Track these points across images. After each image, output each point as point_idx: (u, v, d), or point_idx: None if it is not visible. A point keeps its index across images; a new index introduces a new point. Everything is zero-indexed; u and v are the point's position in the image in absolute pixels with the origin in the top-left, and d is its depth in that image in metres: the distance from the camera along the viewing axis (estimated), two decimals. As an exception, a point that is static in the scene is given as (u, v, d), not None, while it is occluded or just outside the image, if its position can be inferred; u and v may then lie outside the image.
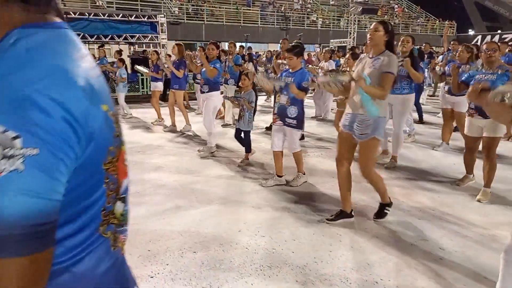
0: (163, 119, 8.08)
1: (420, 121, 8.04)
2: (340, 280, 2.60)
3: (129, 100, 9.55)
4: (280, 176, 4.46)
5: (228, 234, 3.25)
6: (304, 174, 4.50)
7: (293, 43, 4.44)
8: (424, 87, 9.22)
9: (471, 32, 36.90)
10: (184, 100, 10.79)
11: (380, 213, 3.50)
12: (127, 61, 13.10)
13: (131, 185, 3.38)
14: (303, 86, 4.11)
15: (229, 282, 2.58)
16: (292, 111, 4.18)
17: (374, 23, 3.31)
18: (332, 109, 8.44)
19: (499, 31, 28.37)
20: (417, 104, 8.13)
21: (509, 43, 11.67)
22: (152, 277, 2.64)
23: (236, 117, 5.52)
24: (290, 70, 4.26)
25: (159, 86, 8.17)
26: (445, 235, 3.25)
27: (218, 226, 3.40)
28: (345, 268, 2.75)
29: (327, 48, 8.46)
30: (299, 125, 4.26)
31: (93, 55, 12.59)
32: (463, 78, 4.09)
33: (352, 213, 3.51)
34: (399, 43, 5.13)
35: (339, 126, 3.52)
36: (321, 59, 9.69)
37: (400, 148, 5.27)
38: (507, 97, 1.68)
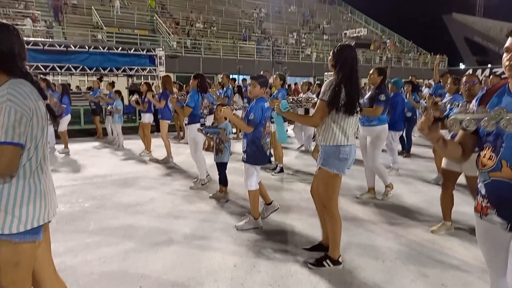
0: (150, 151, 8.06)
1: (407, 153, 8.05)
2: (339, 319, 2.49)
3: (126, 130, 9.55)
4: (256, 218, 4.07)
5: (222, 269, 3.14)
6: (257, 219, 4.03)
7: (261, 74, 4.42)
8: (417, 119, 9.20)
9: (462, 66, 37.89)
10: (181, 131, 10.88)
11: (319, 261, 3.17)
12: (125, 93, 13.23)
13: (124, 217, 3.24)
14: (249, 118, 3.87)
15: (223, 320, 2.46)
16: (244, 144, 3.97)
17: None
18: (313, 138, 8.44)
19: (489, 65, 29.14)
20: (408, 136, 8.16)
21: (502, 76, 11.94)
22: (143, 315, 2.52)
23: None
24: (251, 98, 4.16)
25: (147, 118, 8.16)
26: (446, 270, 3.17)
27: (212, 260, 3.30)
28: (344, 306, 2.64)
29: (304, 81, 8.56)
30: (250, 159, 3.92)
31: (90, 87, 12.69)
32: (445, 114, 3.94)
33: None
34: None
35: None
36: (300, 91, 9.70)
37: (387, 177, 5.10)
38: (465, 124, 1.58)
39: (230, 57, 24.37)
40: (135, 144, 9.21)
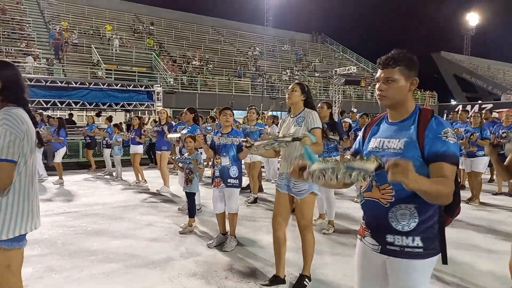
0: (140, 181, 8.53)
1: None
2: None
3: (124, 163, 9.89)
4: (225, 234, 4.50)
5: (216, 281, 3.43)
6: (235, 237, 4.43)
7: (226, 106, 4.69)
8: None
9: (453, 102, 39.08)
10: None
11: (300, 284, 3.29)
12: (123, 127, 13.68)
13: (125, 239, 3.62)
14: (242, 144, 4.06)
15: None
16: (234, 170, 4.32)
17: (292, 84, 3.41)
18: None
19: (479, 101, 30.19)
20: None
21: (493, 111, 12.62)
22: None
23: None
24: (223, 131, 4.41)
25: (139, 149, 8.67)
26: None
27: (206, 273, 3.59)
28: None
29: (269, 114, 8.79)
30: (240, 183, 4.39)
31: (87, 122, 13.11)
32: None
33: (285, 279, 3.38)
34: None
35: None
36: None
37: (334, 211, 5.09)
38: (315, 177, 1.53)
39: (225, 93, 25.16)
40: (132, 176, 9.52)
